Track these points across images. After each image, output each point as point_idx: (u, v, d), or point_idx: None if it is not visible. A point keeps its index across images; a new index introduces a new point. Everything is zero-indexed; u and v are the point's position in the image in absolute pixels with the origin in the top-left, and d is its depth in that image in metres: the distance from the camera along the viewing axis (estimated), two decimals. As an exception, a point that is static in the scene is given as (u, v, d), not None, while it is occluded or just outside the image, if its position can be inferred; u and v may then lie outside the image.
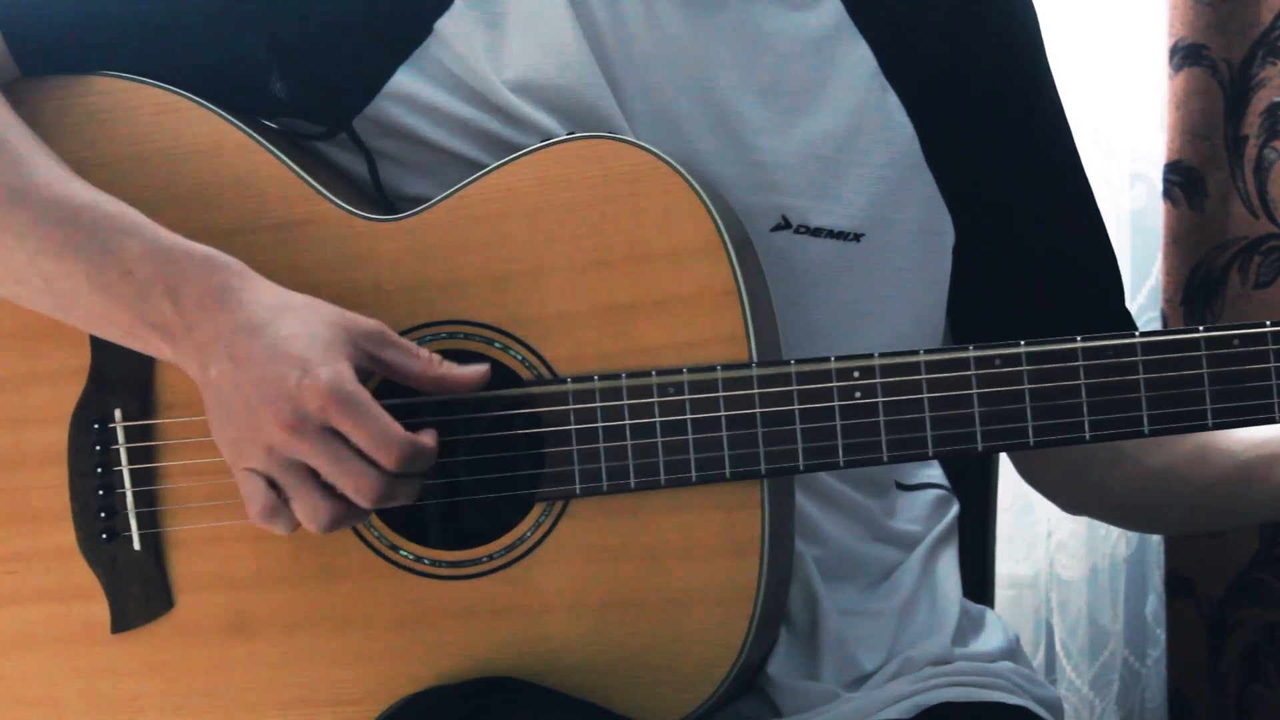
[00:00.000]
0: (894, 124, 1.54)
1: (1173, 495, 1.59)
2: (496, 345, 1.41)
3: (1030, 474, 1.70)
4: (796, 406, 1.36)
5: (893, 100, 1.54)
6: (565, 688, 1.41)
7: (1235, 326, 1.33)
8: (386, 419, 1.32)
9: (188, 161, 1.46)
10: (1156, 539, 2.30)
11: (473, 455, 1.42)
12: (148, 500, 1.45)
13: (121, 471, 1.45)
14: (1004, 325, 1.55)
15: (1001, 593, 2.19)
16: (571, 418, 1.39)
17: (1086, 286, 1.62)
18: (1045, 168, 1.61)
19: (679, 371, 1.37)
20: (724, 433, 1.37)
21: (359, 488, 1.32)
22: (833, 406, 1.36)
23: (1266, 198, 2.17)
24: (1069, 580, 2.31)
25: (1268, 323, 1.32)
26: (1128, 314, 1.64)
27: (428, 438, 1.34)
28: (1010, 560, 2.36)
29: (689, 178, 1.39)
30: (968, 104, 1.56)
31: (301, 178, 1.45)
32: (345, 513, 1.34)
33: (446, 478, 1.42)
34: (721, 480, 1.37)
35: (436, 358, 1.37)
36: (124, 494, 1.45)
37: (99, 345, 1.44)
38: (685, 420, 1.37)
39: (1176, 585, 2.24)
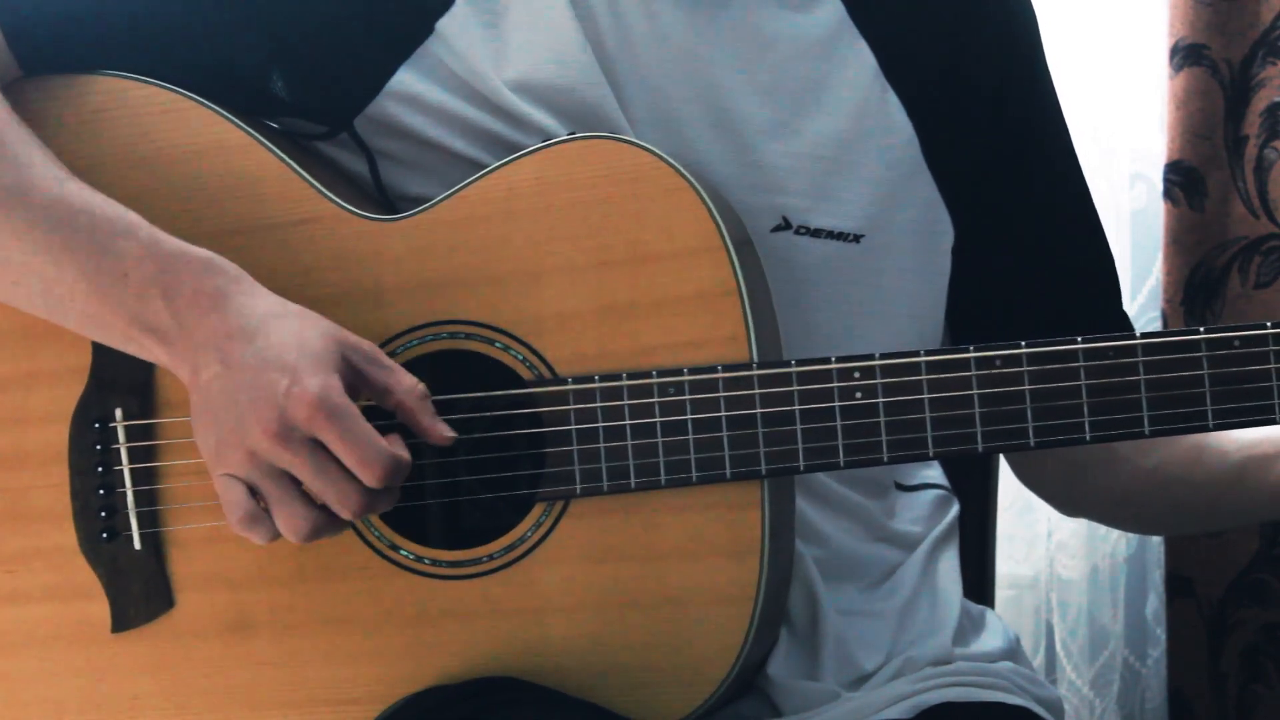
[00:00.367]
0: (894, 125, 1.54)
1: (1167, 496, 1.59)
2: (497, 345, 1.41)
3: (1027, 475, 1.71)
4: (797, 407, 1.36)
5: (893, 101, 1.54)
6: (565, 688, 1.41)
7: (1236, 328, 1.33)
8: (372, 434, 1.32)
9: (188, 161, 1.46)
10: (1156, 539, 2.30)
11: (473, 455, 1.42)
12: (148, 499, 1.45)
13: (122, 471, 1.45)
14: (1001, 326, 1.55)
15: (1001, 593, 2.19)
16: (572, 418, 1.39)
17: (1084, 289, 1.62)
18: (1044, 169, 1.61)
19: (680, 372, 1.37)
20: (724, 433, 1.37)
21: (343, 500, 1.32)
22: (833, 407, 1.36)
23: (1267, 198, 2.17)
24: (1069, 580, 2.31)
25: (1269, 324, 1.32)
26: (1125, 316, 1.64)
27: (401, 450, 1.33)
28: (1010, 560, 2.36)
29: (690, 178, 1.39)
30: (967, 105, 1.57)
31: (303, 177, 1.45)
32: (326, 523, 1.34)
33: (447, 477, 1.42)
34: (722, 480, 1.37)
35: (421, 388, 1.36)
36: (124, 493, 1.45)
37: (100, 344, 1.44)
38: (686, 420, 1.37)
39: (1176, 585, 2.24)
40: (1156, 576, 2.31)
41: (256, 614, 1.45)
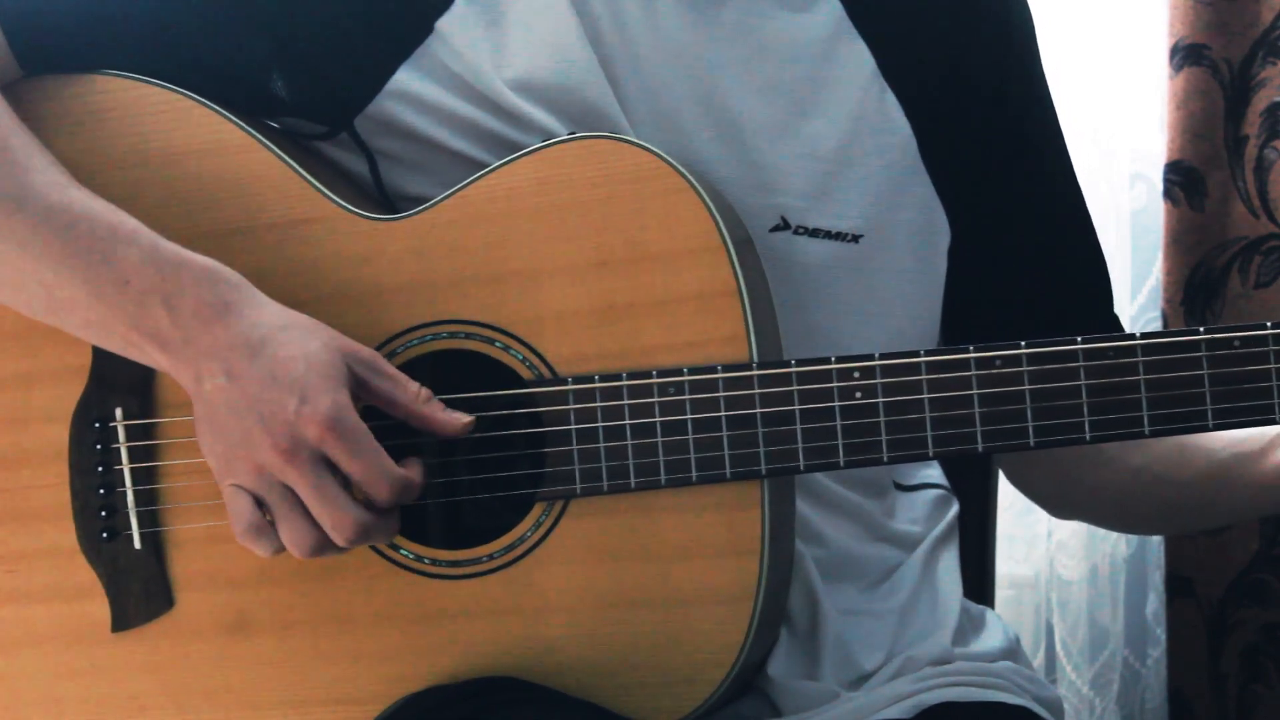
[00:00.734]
0: (892, 125, 1.54)
1: (1154, 495, 1.60)
2: (497, 345, 1.41)
3: (1018, 477, 1.71)
4: (797, 407, 1.36)
5: (891, 101, 1.54)
6: (565, 688, 1.41)
7: (1236, 328, 1.33)
8: (381, 452, 1.33)
9: (189, 161, 1.46)
10: (1156, 539, 2.30)
11: (473, 455, 1.42)
12: (148, 499, 1.45)
13: (122, 470, 1.45)
14: (992, 328, 1.55)
15: (1001, 593, 2.19)
16: (572, 417, 1.39)
17: (1075, 292, 1.62)
18: (1038, 171, 1.62)
19: (680, 371, 1.37)
20: (724, 433, 1.37)
21: (336, 525, 1.33)
22: (833, 407, 1.36)
23: (1267, 198, 2.17)
24: (1069, 580, 2.31)
25: (1269, 324, 1.32)
26: (1116, 319, 1.64)
27: (414, 472, 1.35)
28: (1010, 560, 2.36)
29: (690, 178, 1.39)
30: (965, 105, 1.57)
31: (303, 177, 1.45)
32: (329, 541, 1.35)
33: (447, 477, 1.42)
34: (722, 480, 1.37)
35: (425, 393, 1.37)
36: (125, 493, 1.45)
37: (100, 344, 1.45)
38: (686, 420, 1.37)
39: (1176, 585, 2.24)
40: (1156, 576, 2.31)
41: (256, 614, 1.45)
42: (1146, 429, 1.34)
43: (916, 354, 1.36)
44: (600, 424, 1.38)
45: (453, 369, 1.40)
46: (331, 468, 1.33)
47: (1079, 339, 1.35)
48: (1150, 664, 2.33)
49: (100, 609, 1.46)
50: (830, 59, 1.53)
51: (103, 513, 1.46)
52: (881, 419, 1.36)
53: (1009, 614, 2.33)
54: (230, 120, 1.46)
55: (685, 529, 1.39)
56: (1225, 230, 2.19)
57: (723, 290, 1.38)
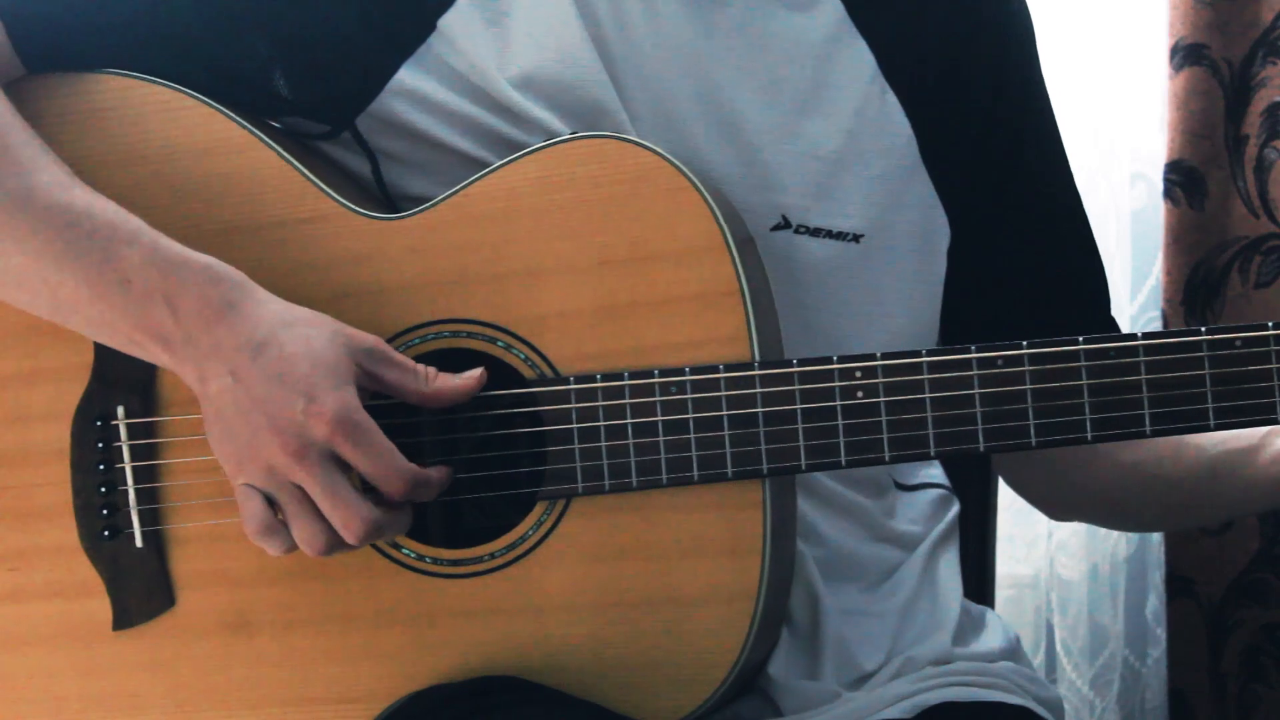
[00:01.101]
0: (893, 125, 1.54)
1: (1147, 491, 1.60)
2: (499, 344, 1.41)
3: (1014, 478, 1.71)
4: (799, 406, 1.36)
5: (892, 101, 1.54)
6: (566, 687, 1.41)
7: (1237, 328, 1.33)
8: (391, 447, 1.33)
9: (191, 160, 1.46)
10: (1157, 539, 2.30)
11: (475, 454, 1.42)
12: (150, 497, 1.45)
13: (124, 469, 1.45)
14: (990, 329, 1.55)
15: (1001, 593, 2.19)
16: (574, 416, 1.39)
17: (1071, 295, 1.62)
18: (1035, 174, 1.62)
19: (682, 371, 1.37)
20: (726, 432, 1.37)
21: (346, 523, 1.33)
22: (835, 406, 1.36)
23: (1267, 197, 2.17)
24: (1069, 580, 2.31)
25: (1270, 324, 1.32)
26: (1112, 322, 1.64)
27: (437, 471, 1.36)
28: (1010, 560, 2.36)
29: (692, 177, 1.39)
30: (964, 106, 1.57)
31: (305, 176, 1.45)
32: (341, 541, 1.35)
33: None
34: (723, 479, 1.38)
35: (432, 371, 1.37)
36: (126, 491, 1.45)
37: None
38: (687, 419, 1.37)
39: (1176, 585, 2.24)
40: (1156, 576, 2.31)
41: (257, 612, 1.45)
42: (1148, 429, 1.34)
43: (918, 354, 1.36)
44: (602, 423, 1.38)
45: (455, 368, 1.40)
46: (342, 466, 1.33)
47: (1080, 339, 1.35)
48: (1150, 664, 2.32)
49: (101, 607, 1.47)
50: (831, 59, 1.53)
51: (104, 511, 1.46)
52: (883, 418, 1.36)
53: (1009, 614, 2.33)
54: (232, 119, 1.46)
55: (687, 528, 1.39)
56: (1225, 230, 2.19)
57: (724, 290, 1.38)
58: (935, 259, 1.57)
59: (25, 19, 1.48)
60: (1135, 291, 2.28)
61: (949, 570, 1.61)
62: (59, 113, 1.48)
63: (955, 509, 1.67)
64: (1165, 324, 2.20)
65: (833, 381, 1.36)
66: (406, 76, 1.47)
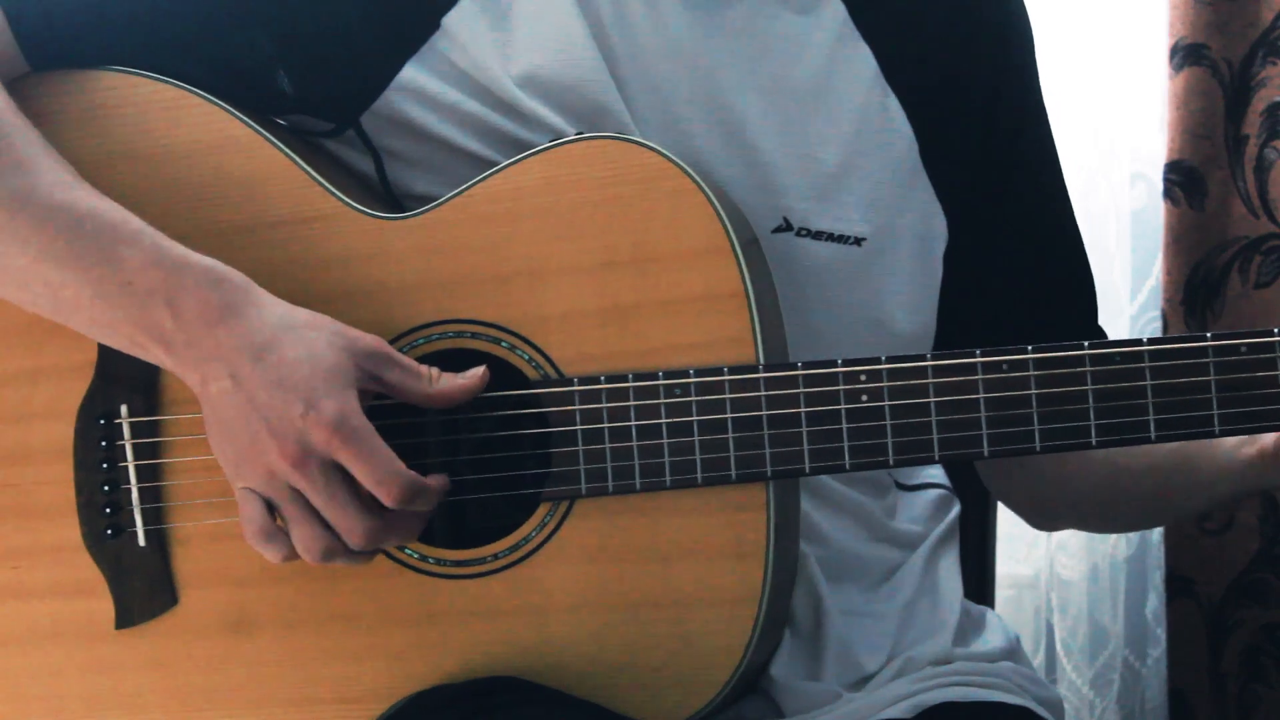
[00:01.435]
0: (894, 128, 1.55)
1: (1119, 484, 1.59)
2: (503, 345, 1.41)
3: (998, 485, 1.71)
4: (803, 409, 1.36)
5: (893, 104, 1.55)
6: (569, 687, 1.41)
7: (1243, 334, 1.33)
8: (390, 454, 1.33)
9: (194, 158, 1.46)
10: (1156, 539, 2.30)
11: (479, 455, 1.42)
12: (153, 496, 1.45)
13: (127, 467, 1.45)
14: (981, 335, 1.55)
15: (1001, 593, 2.19)
16: (578, 418, 1.39)
17: (1057, 304, 1.63)
18: (1029, 181, 1.62)
19: (686, 373, 1.37)
20: (730, 434, 1.37)
21: (349, 529, 1.33)
22: (839, 409, 1.36)
23: (1267, 198, 2.17)
24: (1069, 580, 2.31)
25: (1275, 330, 1.32)
26: (1100, 331, 1.64)
27: (435, 480, 1.35)
28: (1010, 560, 2.36)
29: (697, 179, 1.39)
30: (964, 109, 1.57)
31: (309, 174, 1.45)
32: (341, 547, 1.35)
33: (453, 476, 1.42)
34: (727, 482, 1.38)
35: (435, 371, 1.37)
36: (129, 490, 1.45)
37: (105, 342, 1.44)
38: (692, 422, 1.37)
39: (1176, 585, 2.24)
40: (1156, 576, 2.31)
41: (260, 612, 1.45)
42: (1153, 434, 1.34)
43: (923, 357, 1.36)
44: (606, 425, 1.38)
45: (458, 368, 1.40)
46: (342, 472, 1.33)
47: (1086, 344, 1.35)
48: (1150, 664, 2.33)
49: (104, 606, 1.46)
50: (833, 61, 1.53)
51: (107, 509, 1.46)
52: (888, 422, 1.36)
53: (1009, 614, 2.33)
54: (236, 117, 1.46)
55: (690, 530, 1.39)
56: (1225, 230, 2.19)
57: (729, 291, 1.38)
58: (934, 263, 1.57)
59: (28, 16, 1.48)
60: (1135, 292, 2.29)
61: (949, 571, 1.61)
62: (61, 110, 1.48)
63: (956, 509, 1.67)
64: (1165, 324, 2.20)
65: (837, 385, 1.36)
66: (411, 74, 1.47)
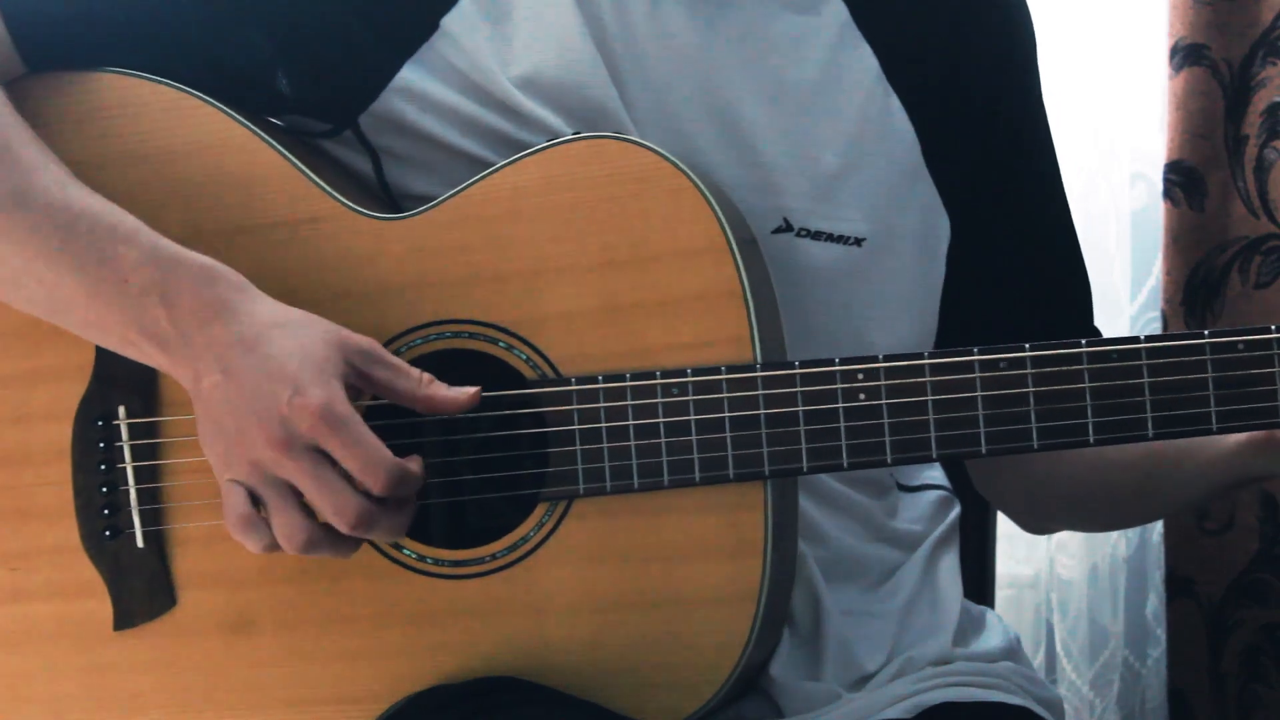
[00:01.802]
0: (896, 128, 1.55)
1: (1111, 477, 1.59)
2: (501, 344, 1.41)
3: (988, 489, 1.71)
4: (801, 408, 1.36)
5: (895, 104, 1.55)
6: (567, 688, 1.41)
7: (1240, 331, 1.33)
8: (375, 442, 1.32)
9: (192, 159, 1.46)
10: (1157, 539, 2.30)
11: (477, 454, 1.42)
12: (151, 497, 1.45)
13: (125, 468, 1.45)
14: (979, 334, 1.55)
15: (1001, 593, 2.19)
16: (575, 418, 1.39)
17: (1054, 304, 1.63)
18: (1027, 182, 1.63)
19: (684, 372, 1.37)
20: (728, 433, 1.37)
21: (338, 510, 1.32)
22: (837, 408, 1.36)
23: (1267, 198, 2.17)
24: (1069, 580, 2.31)
25: (1273, 327, 1.32)
26: (1095, 331, 1.64)
27: (413, 464, 1.34)
28: (1010, 560, 2.36)
29: (695, 178, 1.39)
30: (965, 110, 1.57)
31: (307, 175, 1.45)
32: (322, 537, 1.34)
33: (450, 477, 1.42)
34: (725, 481, 1.37)
35: (427, 377, 1.37)
36: (127, 491, 1.45)
37: (103, 343, 1.44)
38: (689, 421, 1.37)
39: (1176, 585, 2.24)
40: (1156, 576, 2.31)
41: (258, 613, 1.45)
42: (1150, 432, 1.34)
43: (920, 355, 1.36)
44: (604, 424, 1.38)
45: (456, 368, 1.40)
46: (329, 459, 1.32)
47: (1083, 341, 1.34)
48: (1150, 664, 2.33)
49: (102, 607, 1.46)
50: (835, 62, 1.53)
51: (105, 511, 1.46)
52: (885, 420, 1.36)
53: (1009, 614, 2.33)
54: (233, 118, 1.46)
55: (688, 530, 1.39)
56: (1225, 230, 2.19)
57: (727, 291, 1.38)
58: (936, 262, 1.57)
59: (26, 16, 1.48)
60: (1135, 292, 2.29)
61: (949, 571, 1.61)
62: (59, 111, 1.48)
63: (956, 510, 1.67)
64: (1165, 324, 2.20)
65: (835, 383, 1.36)
66: (409, 75, 1.47)
